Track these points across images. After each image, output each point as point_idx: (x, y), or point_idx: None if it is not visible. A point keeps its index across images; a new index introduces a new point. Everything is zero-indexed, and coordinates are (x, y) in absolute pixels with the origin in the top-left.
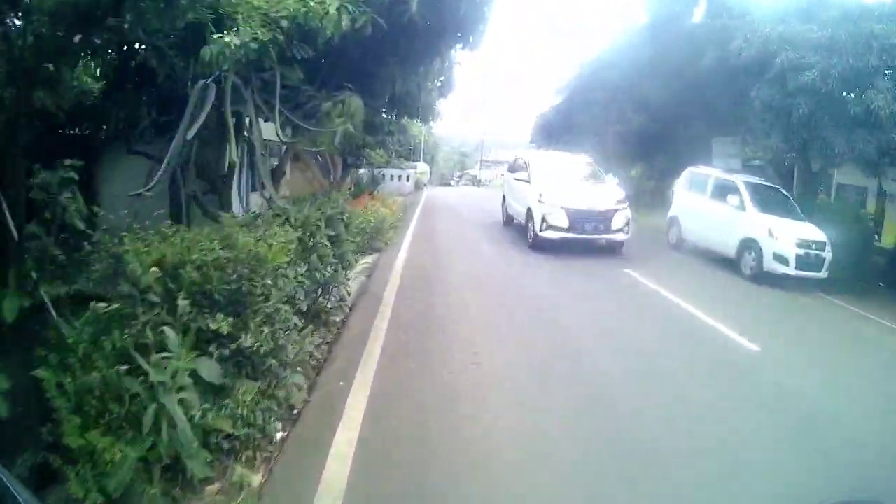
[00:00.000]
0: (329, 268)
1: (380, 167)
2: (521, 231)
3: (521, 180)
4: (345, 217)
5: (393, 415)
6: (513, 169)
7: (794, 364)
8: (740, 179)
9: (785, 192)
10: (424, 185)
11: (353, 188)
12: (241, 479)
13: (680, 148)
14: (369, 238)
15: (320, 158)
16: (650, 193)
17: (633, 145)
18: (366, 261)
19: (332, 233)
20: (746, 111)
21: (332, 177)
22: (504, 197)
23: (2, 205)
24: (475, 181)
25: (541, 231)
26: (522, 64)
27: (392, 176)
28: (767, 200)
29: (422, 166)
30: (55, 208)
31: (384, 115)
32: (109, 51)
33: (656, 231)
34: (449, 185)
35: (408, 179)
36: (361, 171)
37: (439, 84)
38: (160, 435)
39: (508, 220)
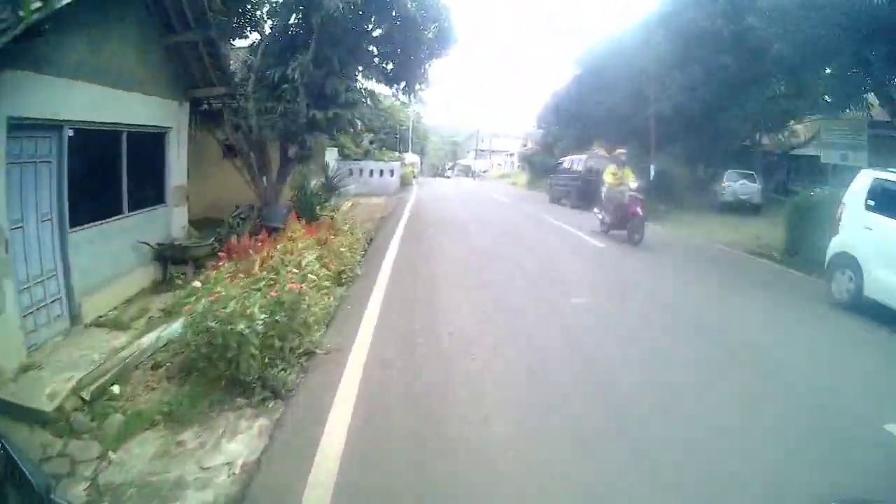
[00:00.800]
0: None
1: (357, 160)
2: None
3: None
4: None
5: None
6: None
7: None
8: None
9: None
10: (414, 178)
11: (296, 197)
12: None
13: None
14: (269, 348)
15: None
16: (700, 188)
17: (680, 127)
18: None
19: None
20: None
21: (264, 179)
22: None
23: None
24: (469, 172)
25: None
26: (523, 41)
27: (372, 171)
28: None
29: (410, 157)
30: None
31: (339, 75)
32: None
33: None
34: (445, 176)
35: (391, 175)
36: (333, 164)
37: (430, 35)
38: None
39: None
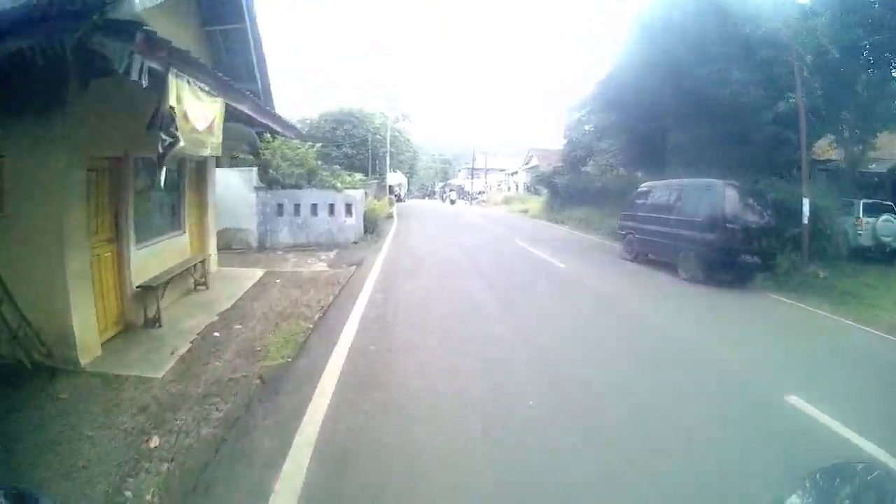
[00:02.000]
0: None
1: (292, 187)
2: None
3: None
4: None
5: None
6: None
7: None
8: None
9: None
10: (400, 201)
11: None
12: None
13: None
14: None
15: None
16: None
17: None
18: None
19: None
20: None
21: None
22: None
23: None
24: (462, 193)
25: None
26: (529, 41)
27: (315, 207)
28: None
29: (396, 177)
30: None
31: None
32: None
33: None
34: (450, 200)
35: (348, 213)
36: (251, 198)
37: None
38: None
39: None
